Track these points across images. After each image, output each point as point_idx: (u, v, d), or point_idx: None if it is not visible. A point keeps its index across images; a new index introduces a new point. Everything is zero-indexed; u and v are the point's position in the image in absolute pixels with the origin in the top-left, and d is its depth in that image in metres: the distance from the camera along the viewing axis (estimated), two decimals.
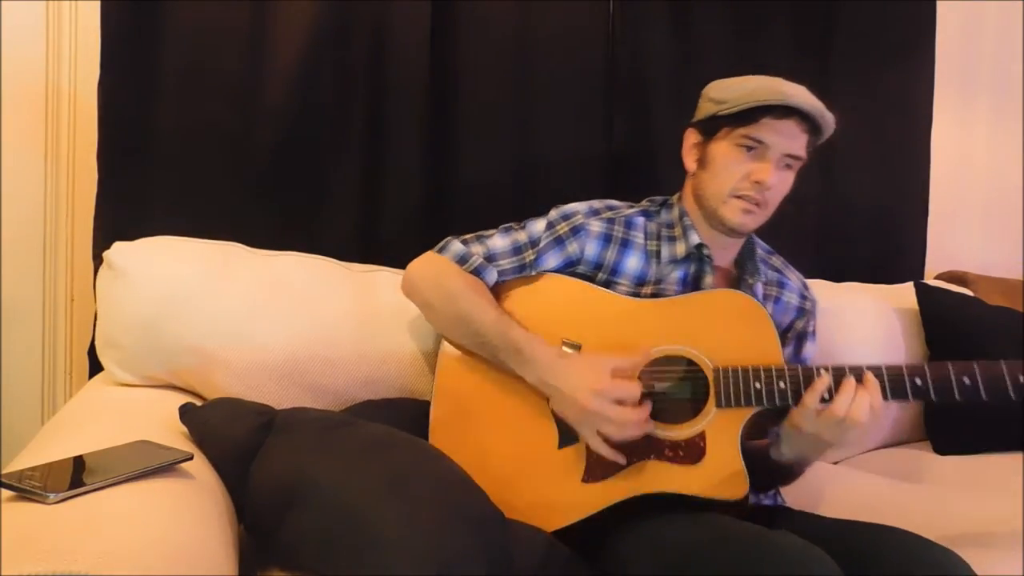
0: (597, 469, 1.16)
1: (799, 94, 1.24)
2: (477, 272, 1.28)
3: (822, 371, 1.10)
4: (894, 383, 1.10)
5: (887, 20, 2.22)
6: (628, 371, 1.16)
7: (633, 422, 1.11)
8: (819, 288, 1.91)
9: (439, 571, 0.82)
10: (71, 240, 1.61)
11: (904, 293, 2.01)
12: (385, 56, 1.68)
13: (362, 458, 0.98)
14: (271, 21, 1.59)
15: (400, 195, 1.70)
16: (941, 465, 1.77)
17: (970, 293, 2.13)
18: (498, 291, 1.30)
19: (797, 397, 1.11)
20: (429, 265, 1.30)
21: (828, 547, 1.00)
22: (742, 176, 1.24)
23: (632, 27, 1.90)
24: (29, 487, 0.81)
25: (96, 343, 1.34)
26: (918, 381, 1.09)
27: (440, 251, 1.31)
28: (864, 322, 1.91)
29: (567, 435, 1.18)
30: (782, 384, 1.12)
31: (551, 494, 1.16)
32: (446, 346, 1.29)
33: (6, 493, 0.82)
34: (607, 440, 1.13)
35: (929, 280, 2.21)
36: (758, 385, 1.13)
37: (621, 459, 1.13)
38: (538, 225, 1.32)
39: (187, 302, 1.29)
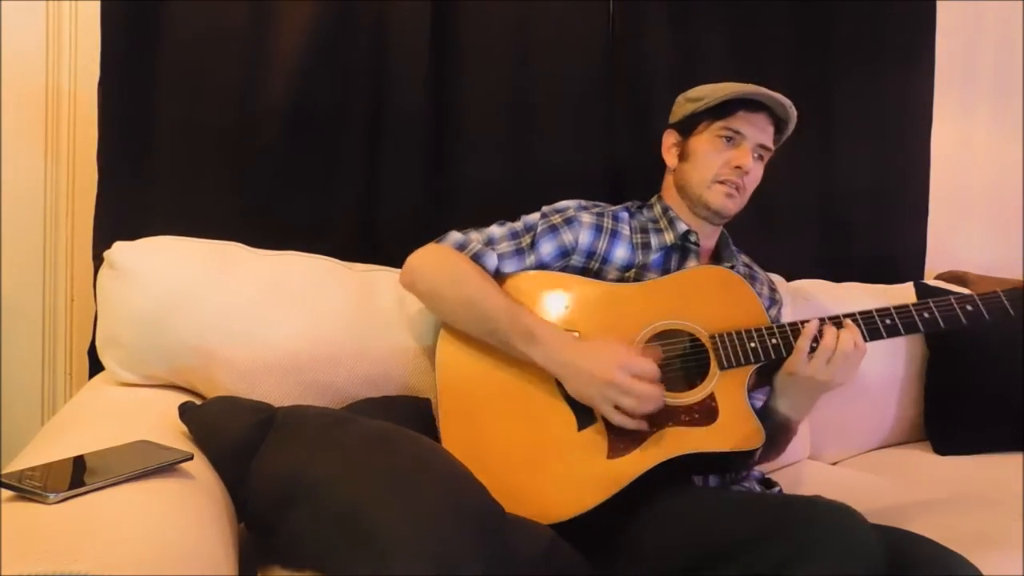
0: (620, 444, 1.18)
1: (769, 92, 1.37)
2: (477, 256, 1.32)
3: (809, 321, 1.23)
4: (868, 325, 1.23)
5: (887, 20, 2.22)
6: (643, 353, 1.21)
7: (652, 395, 1.16)
8: (819, 288, 1.92)
9: (437, 570, 0.82)
10: (71, 240, 1.61)
11: (904, 293, 2.01)
12: (385, 56, 1.68)
13: (362, 456, 0.98)
14: (271, 21, 1.59)
15: (400, 195, 1.70)
16: (941, 465, 1.78)
17: (970, 293, 2.13)
18: None
19: (789, 349, 1.22)
20: (432, 253, 1.34)
21: None
22: (723, 163, 1.36)
23: (632, 27, 1.90)
24: (29, 487, 0.81)
25: (97, 342, 1.34)
26: (887, 321, 1.23)
27: (439, 241, 1.36)
28: None
29: (584, 416, 1.21)
30: (774, 340, 1.23)
31: (579, 474, 1.18)
32: (442, 342, 1.30)
33: (6, 493, 0.81)
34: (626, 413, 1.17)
35: (929, 280, 2.21)
36: (753, 344, 1.23)
37: (644, 425, 1.17)
38: (532, 216, 1.40)
39: (188, 301, 1.29)
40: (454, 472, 1.01)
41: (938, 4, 2.31)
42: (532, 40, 1.80)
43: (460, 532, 0.88)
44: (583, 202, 1.42)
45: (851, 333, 1.19)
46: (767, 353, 1.22)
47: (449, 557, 0.84)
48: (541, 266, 1.35)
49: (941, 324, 1.23)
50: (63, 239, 1.61)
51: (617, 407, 1.15)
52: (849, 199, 2.21)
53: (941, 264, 2.37)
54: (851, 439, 1.90)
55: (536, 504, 1.11)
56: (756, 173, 1.39)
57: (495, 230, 1.38)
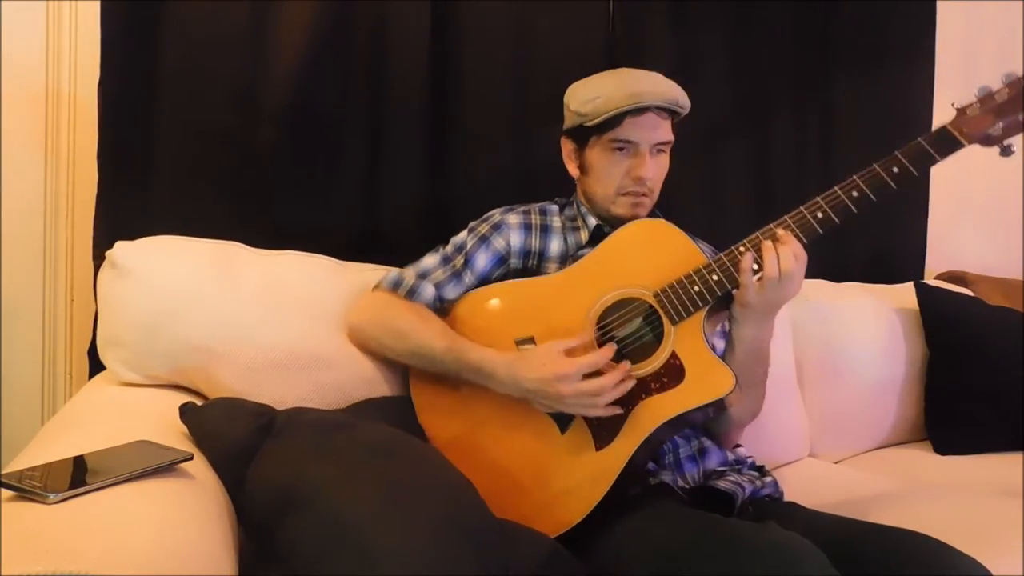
0: (604, 432, 1.19)
1: (653, 89, 1.31)
2: (413, 291, 1.33)
3: (742, 249, 1.21)
4: (801, 225, 1.20)
5: (887, 20, 2.23)
6: (584, 345, 1.20)
7: (610, 386, 1.15)
8: (819, 288, 1.92)
9: None
10: (71, 240, 1.61)
11: (904, 293, 2.01)
12: (385, 56, 1.68)
13: (358, 465, 0.97)
14: (271, 21, 1.59)
15: (400, 194, 1.70)
16: (941, 465, 1.78)
17: (970, 293, 2.13)
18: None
19: (733, 281, 1.21)
20: (367, 308, 1.35)
21: (842, 547, 1.00)
22: (622, 175, 1.33)
23: (632, 27, 1.90)
24: (29, 487, 0.81)
25: (98, 342, 1.33)
26: (819, 214, 1.19)
27: (376, 286, 1.37)
28: (864, 322, 1.92)
29: (563, 418, 1.21)
30: (715, 277, 1.21)
31: (576, 475, 1.18)
32: (414, 388, 1.32)
33: (6, 493, 0.81)
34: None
35: (929, 280, 2.21)
36: (696, 288, 1.21)
37: (618, 410, 1.17)
38: (460, 235, 1.40)
39: (189, 301, 1.29)
40: (451, 482, 1.00)
41: (938, 4, 2.31)
42: (532, 40, 1.81)
43: (456, 545, 0.87)
44: (508, 207, 1.42)
45: (789, 247, 1.17)
46: (712, 292, 1.21)
47: (443, 571, 0.84)
48: (482, 280, 1.35)
49: (872, 196, 1.18)
50: (63, 239, 1.61)
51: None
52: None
53: (941, 264, 2.37)
54: (851, 439, 1.90)
55: (543, 520, 1.13)
56: (660, 170, 1.36)
57: (427, 261, 1.38)
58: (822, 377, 1.85)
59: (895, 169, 1.18)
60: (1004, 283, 2.29)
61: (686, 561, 0.99)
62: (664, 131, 1.34)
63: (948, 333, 1.92)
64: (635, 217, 1.34)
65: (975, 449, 1.81)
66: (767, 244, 1.18)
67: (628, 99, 1.29)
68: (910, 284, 2.03)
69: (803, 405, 1.83)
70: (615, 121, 1.30)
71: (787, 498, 1.33)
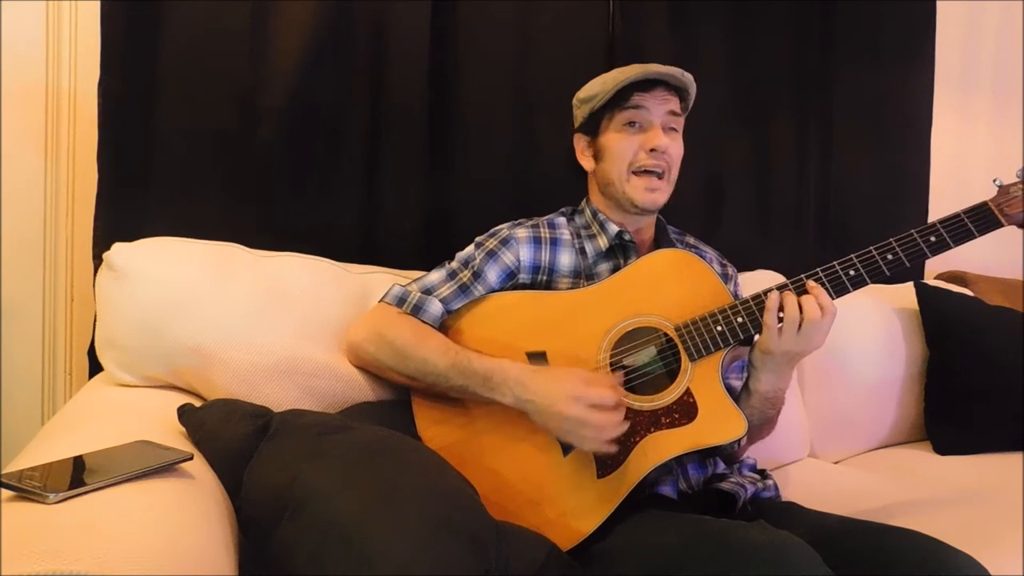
0: (607, 460, 1.17)
1: (656, 65, 1.32)
2: (418, 307, 1.28)
3: (769, 293, 1.19)
4: (833, 281, 1.19)
5: (887, 20, 2.23)
6: (605, 379, 1.17)
7: (608, 424, 1.12)
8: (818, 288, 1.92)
9: None
10: (71, 240, 1.61)
11: (904, 293, 2.01)
12: (385, 56, 1.68)
13: (354, 467, 0.96)
14: (271, 21, 1.59)
15: (400, 195, 1.70)
16: (941, 465, 1.78)
17: (970, 293, 2.13)
18: (448, 328, 1.30)
19: (757, 325, 1.19)
20: (368, 326, 1.31)
21: (838, 546, 1.00)
22: (636, 149, 1.32)
23: (632, 27, 1.90)
24: (29, 487, 0.81)
25: (96, 344, 1.33)
26: (851, 272, 1.19)
27: (380, 300, 1.34)
28: (864, 322, 1.92)
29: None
30: (740, 319, 1.20)
31: (575, 500, 1.16)
32: (416, 405, 1.28)
33: (6, 493, 0.81)
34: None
35: (929, 280, 2.21)
36: (719, 328, 1.20)
37: (613, 448, 1.14)
38: (467, 249, 1.38)
39: (186, 303, 1.28)
40: (448, 484, 1.00)
41: (938, 4, 2.32)
42: (532, 40, 1.81)
43: (452, 546, 0.87)
44: (515, 221, 1.40)
45: (814, 296, 1.16)
46: (735, 334, 1.19)
47: (441, 572, 0.83)
48: (490, 293, 1.32)
49: (906, 262, 1.17)
50: (63, 239, 1.60)
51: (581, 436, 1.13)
52: (849, 199, 2.22)
53: (941, 264, 2.37)
54: (851, 439, 1.90)
55: None
56: (676, 148, 1.35)
57: (433, 276, 1.34)
58: (822, 377, 1.85)
59: (932, 239, 1.18)
60: (1004, 283, 2.29)
61: (678, 562, 0.99)
62: (672, 104, 1.34)
63: (948, 333, 1.92)
64: (648, 203, 1.33)
65: (975, 449, 1.81)
66: (789, 292, 1.18)
67: (634, 71, 1.31)
68: (910, 284, 2.03)
69: (803, 405, 1.83)
70: (625, 98, 1.32)
71: (787, 498, 1.34)
